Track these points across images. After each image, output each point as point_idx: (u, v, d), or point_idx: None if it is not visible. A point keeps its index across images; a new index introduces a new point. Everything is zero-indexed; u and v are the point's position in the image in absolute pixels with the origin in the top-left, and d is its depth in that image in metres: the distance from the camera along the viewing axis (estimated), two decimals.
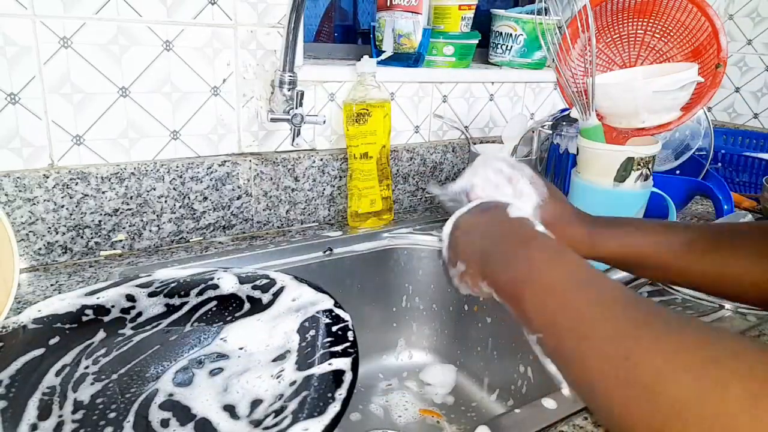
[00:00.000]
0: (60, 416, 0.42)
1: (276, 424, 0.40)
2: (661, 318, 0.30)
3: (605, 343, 0.30)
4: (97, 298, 0.55)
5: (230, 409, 0.43)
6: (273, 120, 0.76)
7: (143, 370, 0.48)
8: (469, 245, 0.46)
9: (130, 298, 0.56)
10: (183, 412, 0.43)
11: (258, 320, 0.54)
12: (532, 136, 0.89)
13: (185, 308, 0.56)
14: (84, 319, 0.53)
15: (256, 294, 0.58)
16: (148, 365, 0.49)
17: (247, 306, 0.57)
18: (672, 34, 0.69)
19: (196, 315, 0.56)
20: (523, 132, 0.93)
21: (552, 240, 0.41)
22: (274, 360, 0.49)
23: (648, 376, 0.27)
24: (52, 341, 0.50)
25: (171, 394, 0.45)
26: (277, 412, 0.41)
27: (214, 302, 0.57)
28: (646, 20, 0.71)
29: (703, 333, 0.28)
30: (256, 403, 0.44)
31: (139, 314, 0.55)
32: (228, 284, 0.59)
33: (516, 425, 0.45)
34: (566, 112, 0.92)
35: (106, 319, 0.54)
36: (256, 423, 0.41)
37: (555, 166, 0.81)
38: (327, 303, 0.55)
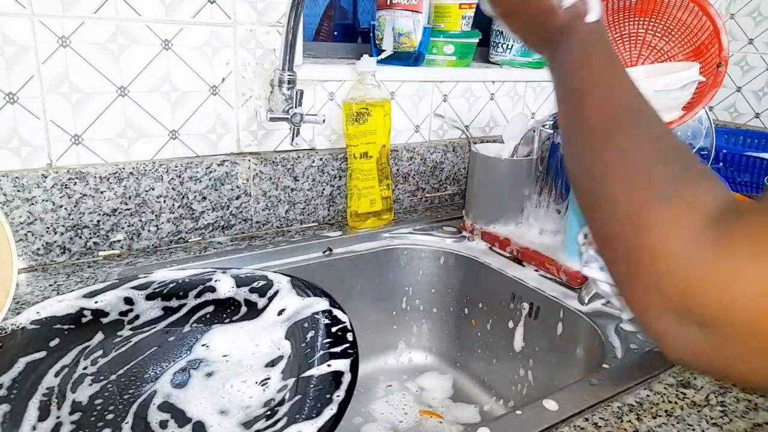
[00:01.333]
0: (58, 417, 0.42)
1: (271, 425, 0.39)
2: (632, 124, 0.33)
3: (578, 148, 0.34)
4: (95, 303, 0.55)
5: (224, 413, 0.43)
6: (272, 119, 0.75)
7: (141, 371, 0.48)
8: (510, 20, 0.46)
9: (128, 301, 0.56)
10: (179, 414, 0.43)
11: (241, 328, 0.53)
12: (533, 136, 0.88)
13: (183, 310, 0.56)
14: (83, 320, 0.53)
15: (253, 297, 0.58)
16: (146, 366, 0.49)
17: (243, 309, 0.57)
18: (673, 33, 0.69)
19: (194, 317, 0.56)
20: (524, 131, 0.93)
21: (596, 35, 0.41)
22: (268, 364, 0.48)
23: (600, 175, 0.31)
24: (51, 342, 0.50)
25: (168, 396, 0.45)
26: (272, 415, 0.41)
27: (212, 306, 0.57)
28: (647, 19, 0.70)
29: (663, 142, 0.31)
30: (252, 405, 0.43)
31: (137, 317, 0.55)
32: (225, 287, 0.59)
33: (517, 426, 0.44)
34: None
35: (105, 320, 0.54)
36: (253, 425, 0.41)
37: (556, 165, 0.80)
38: (321, 305, 0.54)
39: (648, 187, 0.29)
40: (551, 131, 0.81)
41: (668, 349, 0.27)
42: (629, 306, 0.29)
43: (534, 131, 0.87)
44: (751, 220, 0.25)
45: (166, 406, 0.44)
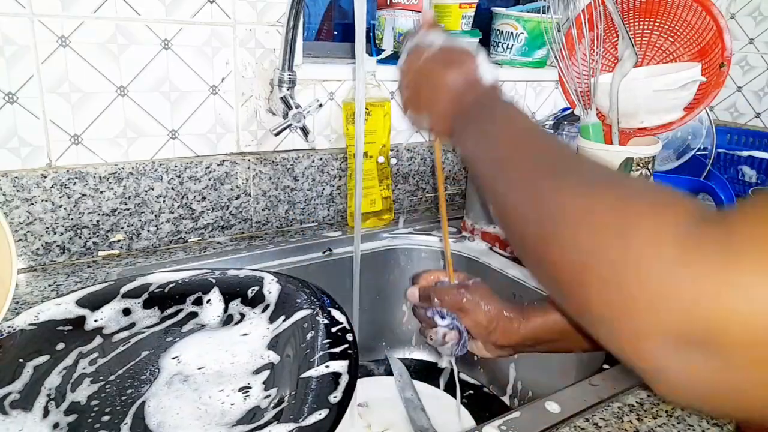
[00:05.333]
0: (57, 416, 0.42)
1: (262, 426, 0.39)
2: (576, 166, 0.32)
3: (518, 185, 0.33)
4: (95, 321, 0.54)
5: (212, 414, 0.43)
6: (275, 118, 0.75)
7: (139, 373, 0.48)
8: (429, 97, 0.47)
9: (126, 312, 0.56)
10: (171, 416, 0.43)
11: (209, 337, 0.53)
12: None
13: (180, 315, 0.56)
14: (84, 326, 0.53)
15: (245, 310, 0.57)
16: (143, 367, 0.49)
17: (237, 317, 0.56)
18: (678, 33, 0.69)
19: (191, 321, 0.55)
20: None
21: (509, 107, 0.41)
22: (257, 371, 0.48)
23: (557, 217, 0.28)
24: (51, 345, 0.50)
25: (159, 398, 0.45)
26: (263, 416, 0.41)
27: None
28: (652, 20, 0.70)
29: (611, 176, 0.30)
30: (237, 411, 0.43)
31: (133, 324, 0.55)
32: (214, 312, 0.57)
33: (518, 427, 0.44)
34: (567, 111, 0.91)
35: (105, 332, 0.54)
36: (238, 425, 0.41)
37: None
38: (305, 312, 0.54)
39: (618, 207, 0.26)
40: (551, 132, 0.81)
41: (670, 382, 0.24)
42: (618, 348, 0.25)
43: None
44: (742, 224, 0.23)
45: (160, 407, 0.44)
